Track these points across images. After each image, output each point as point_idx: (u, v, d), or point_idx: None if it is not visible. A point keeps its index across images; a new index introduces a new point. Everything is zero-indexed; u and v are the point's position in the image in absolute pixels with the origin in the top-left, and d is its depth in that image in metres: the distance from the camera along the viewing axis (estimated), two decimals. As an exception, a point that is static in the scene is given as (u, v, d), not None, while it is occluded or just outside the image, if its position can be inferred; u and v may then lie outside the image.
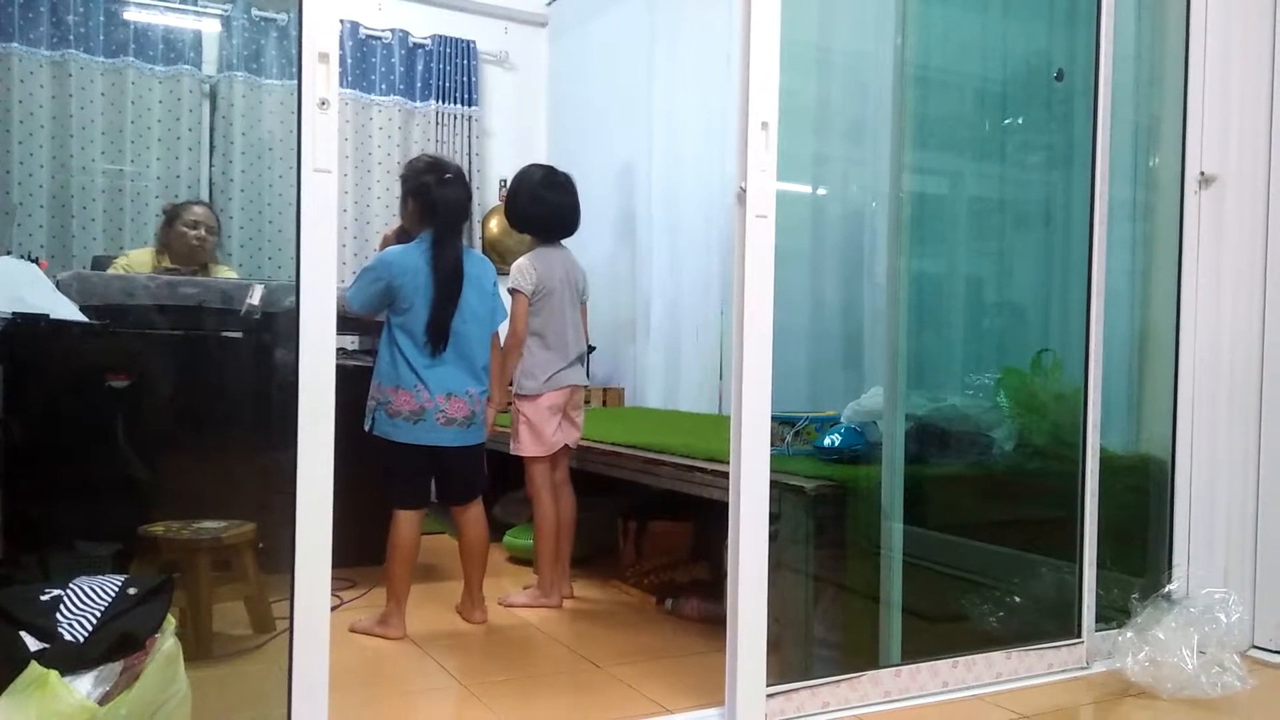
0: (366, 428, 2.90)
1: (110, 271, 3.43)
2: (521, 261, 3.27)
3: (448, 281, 2.89)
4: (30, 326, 2.42)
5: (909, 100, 2.67)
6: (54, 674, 1.46)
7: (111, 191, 4.47)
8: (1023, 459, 2.81)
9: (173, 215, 3.64)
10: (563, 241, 3.38)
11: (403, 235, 3.08)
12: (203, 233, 3.60)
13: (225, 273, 3.79)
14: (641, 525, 3.69)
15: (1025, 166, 3.05)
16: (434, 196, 2.92)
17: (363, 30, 5.12)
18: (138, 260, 3.59)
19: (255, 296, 2.86)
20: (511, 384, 3.32)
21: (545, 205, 3.30)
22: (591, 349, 4.34)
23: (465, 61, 5.36)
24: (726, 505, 2.24)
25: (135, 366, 2.73)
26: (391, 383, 2.87)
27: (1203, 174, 2.89)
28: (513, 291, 3.23)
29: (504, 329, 3.18)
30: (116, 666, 1.58)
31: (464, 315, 2.92)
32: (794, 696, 2.26)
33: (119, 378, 2.70)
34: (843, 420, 2.72)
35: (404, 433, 2.87)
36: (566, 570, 3.36)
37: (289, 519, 1.80)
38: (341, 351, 3.48)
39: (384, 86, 5.17)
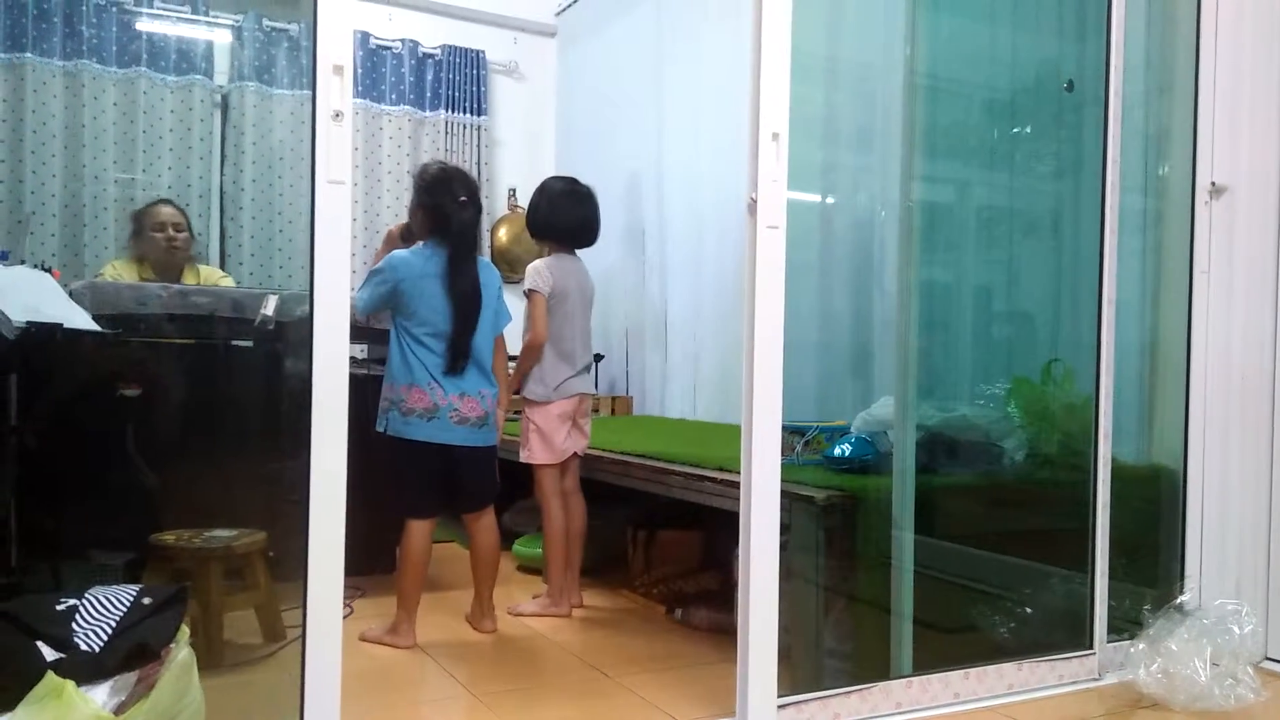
0: (380, 429, 2.91)
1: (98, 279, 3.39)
2: (537, 264, 3.29)
3: (465, 305, 2.90)
4: (43, 336, 2.43)
5: (919, 110, 2.67)
6: (70, 684, 1.46)
7: (124, 201, 4.48)
8: (1033, 469, 2.80)
9: (138, 222, 3.58)
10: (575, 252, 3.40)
11: (407, 233, 3.10)
12: (171, 233, 3.53)
13: (217, 276, 3.77)
14: (651, 534, 3.69)
15: (1035, 176, 3.05)
16: (448, 217, 2.93)
17: (373, 40, 5.14)
18: (123, 269, 3.56)
19: (269, 307, 2.87)
20: (518, 391, 3.32)
21: (566, 216, 3.33)
22: (599, 358, 4.34)
23: (475, 71, 5.38)
24: (736, 515, 2.24)
25: (147, 376, 2.74)
26: (405, 381, 2.88)
27: (1214, 184, 2.89)
28: (530, 293, 3.25)
29: (510, 332, 3.18)
30: (132, 676, 1.59)
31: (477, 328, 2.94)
32: (805, 707, 2.26)
33: (131, 387, 2.70)
34: (853, 430, 2.72)
35: (417, 430, 2.87)
36: (576, 579, 3.36)
37: (300, 528, 1.80)
38: (351, 360, 3.49)
39: (394, 96, 5.20)
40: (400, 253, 2.97)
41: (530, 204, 3.41)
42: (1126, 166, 2.74)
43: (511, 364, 3.32)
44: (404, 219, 4.99)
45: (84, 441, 2.61)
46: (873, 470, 2.62)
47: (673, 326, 4.70)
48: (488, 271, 3.08)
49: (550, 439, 3.24)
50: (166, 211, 3.59)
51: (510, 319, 3.18)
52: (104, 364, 2.67)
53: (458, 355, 2.89)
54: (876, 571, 2.55)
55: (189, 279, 3.57)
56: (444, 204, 2.94)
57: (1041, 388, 2.85)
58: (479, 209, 3.04)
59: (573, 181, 3.42)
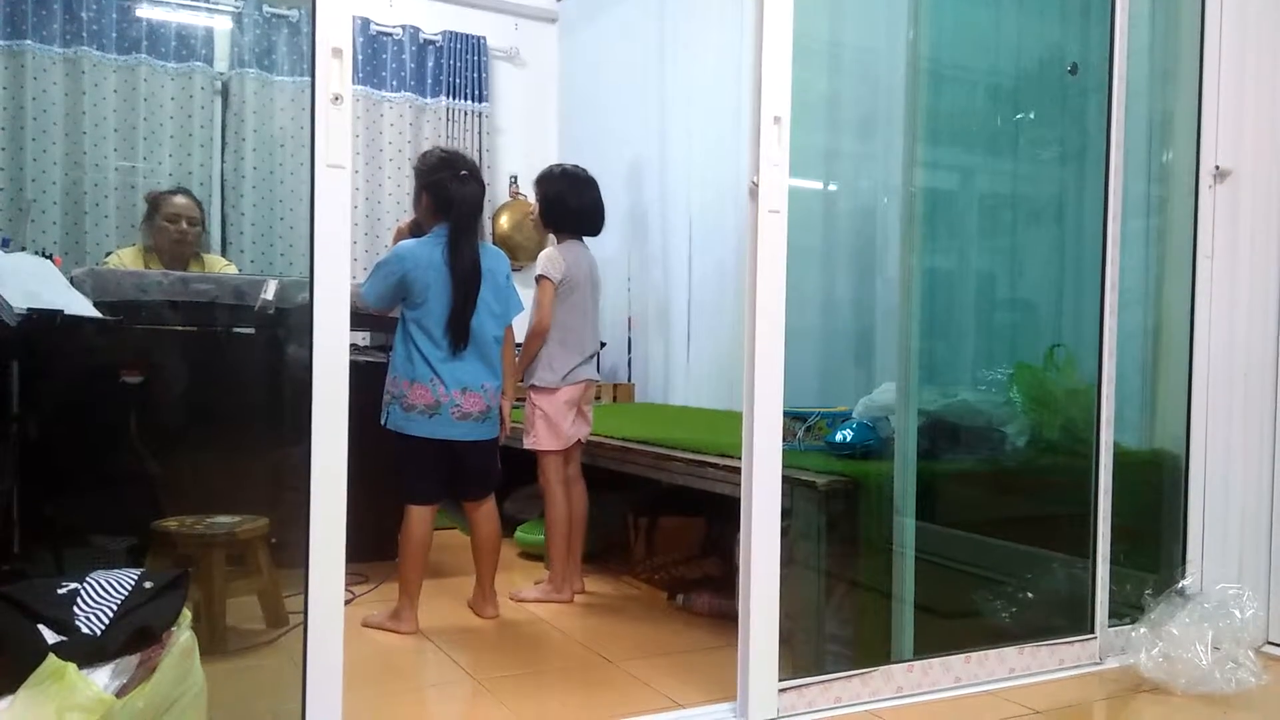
0: (382, 422, 2.91)
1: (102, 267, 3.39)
2: (550, 251, 3.28)
3: (465, 280, 2.89)
4: (44, 322, 2.43)
5: (922, 95, 2.66)
6: (72, 667, 1.46)
7: (124, 188, 4.48)
8: (1035, 454, 2.80)
9: (153, 207, 3.58)
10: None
11: (416, 228, 3.08)
12: (184, 225, 3.53)
13: (219, 264, 3.77)
14: (652, 521, 3.69)
15: (1038, 161, 3.03)
16: (449, 193, 2.92)
17: (373, 26, 5.12)
18: (128, 258, 3.56)
19: (270, 292, 2.87)
20: (522, 378, 3.31)
21: (578, 202, 3.32)
22: (602, 345, 4.34)
23: (475, 58, 5.36)
24: (737, 501, 2.24)
25: (149, 362, 2.75)
26: (407, 377, 2.88)
27: (1217, 168, 2.88)
28: (540, 279, 3.24)
29: (518, 322, 3.17)
30: (133, 659, 1.59)
31: (479, 311, 2.92)
32: (806, 691, 2.26)
33: (132, 373, 2.71)
34: (854, 415, 2.72)
35: (419, 426, 2.87)
36: (578, 565, 3.36)
37: (302, 514, 1.81)
38: (353, 347, 3.49)
39: (395, 83, 5.18)
40: (406, 243, 2.96)
41: (540, 195, 3.38)
42: (1130, 151, 2.73)
43: (517, 350, 3.31)
44: (407, 208, 5.02)
45: (86, 428, 2.62)
46: (874, 456, 2.62)
47: (674, 313, 4.70)
48: (495, 258, 3.06)
49: (557, 425, 3.24)
50: (182, 203, 3.59)
51: (522, 308, 3.17)
52: (105, 350, 2.68)
53: (458, 334, 2.88)
54: (878, 556, 2.55)
55: (194, 269, 3.57)
56: (444, 180, 2.93)
57: (1043, 373, 2.84)
58: (481, 185, 3.02)
59: (575, 168, 3.41)
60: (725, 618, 2.90)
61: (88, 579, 1.73)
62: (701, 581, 3.32)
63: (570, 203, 3.32)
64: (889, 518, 2.53)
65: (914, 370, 2.61)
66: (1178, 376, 2.91)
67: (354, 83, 4.86)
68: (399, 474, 2.91)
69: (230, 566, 2.63)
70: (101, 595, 1.68)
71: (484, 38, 5.39)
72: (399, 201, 5.13)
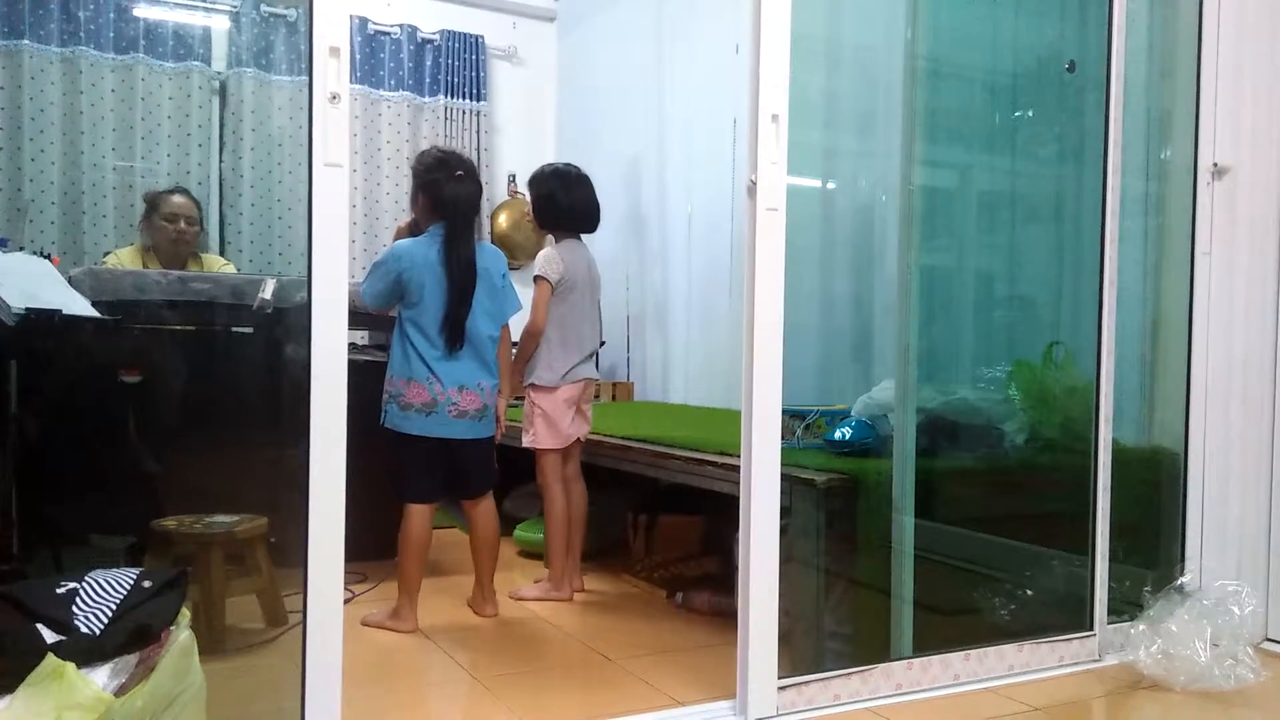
0: (381, 421, 2.91)
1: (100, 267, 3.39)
2: (549, 251, 3.28)
3: (460, 279, 2.89)
4: (43, 322, 2.43)
5: (920, 93, 2.66)
6: (71, 666, 1.46)
7: (122, 188, 4.48)
8: (1034, 452, 2.80)
9: (151, 206, 3.57)
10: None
11: (415, 227, 3.08)
12: (182, 225, 3.53)
13: (217, 264, 3.77)
14: (651, 519, 3.70)
15: (1037, 159, 3.03)
16: (445, 193, 2.92)
17: (371, 25, 5.12)
18: (126, 258, 3.56)
19: (267, 291, 2.87)
20: (521, 378, 3.31)
21: (572, 200, 3.32)
22: (601, 343, 4.34)
23: (474, 56, 5.36)
24: (736, 499, 2.24)
25: (147, 362, 2.74)
26: (404, 375, 2.88)
27: (1215, 165, 2.88)
28: (538, 279, 3.24)
29: (514, 321, 3.17)
30: (132, 659, 1.59)
31: (474, 310, 2.92)
32: (805, 689, 2.26)
33: (131, 373, 2.70)
34: (853, 413, 2.72)
35: (416, 425, 2.87)
36: (577, 564, 3.36)
37: (301, 513, 1.80)
38: (351, 346, 3.49)
39: (393, 82, 5.18)
40: (403, 242, 2.97)
41: (535, 196, 3.38)
42: (1128, 149, 2.73)
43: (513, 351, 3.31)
44: (405, 207, 5.01)
45: (84, 427, 2.61)
46: (873, 453, 2.62)
47: (673, 311, 4.70)
48: (493, 257, 3.06)
49: (556, 424, 3.24)
50: (180, 202, 3.58)
51: (519, 307, 3.17)
52: (103, 350, 2.67)
53: (453, 333, 2.88)
54: (877, 554, 2.55)
55: (192, 269, 3.57)
56: (440, 180, 2.93)
57: (1042, 371, 2.84)
58: (478, 185, 3.02)
59: (566, 166, 3.40)
60: (724, 616, 2.90)
61: (86, 578, 1.73)
62: (701, 579, 3.32)
63: (561, 201, 3.31)
64: (888, 515, 2.53)
65: (913, 368, 2.61)
66: (1176, 373, 2.91)
67: (352, 82, 4.83)
68: (398, 473, 2.91)
69: (229, 565, 2.63)
70: (100, 594, 1.68)
71: (482, 37, 5.39)
72: (397, 201, 5.13)
